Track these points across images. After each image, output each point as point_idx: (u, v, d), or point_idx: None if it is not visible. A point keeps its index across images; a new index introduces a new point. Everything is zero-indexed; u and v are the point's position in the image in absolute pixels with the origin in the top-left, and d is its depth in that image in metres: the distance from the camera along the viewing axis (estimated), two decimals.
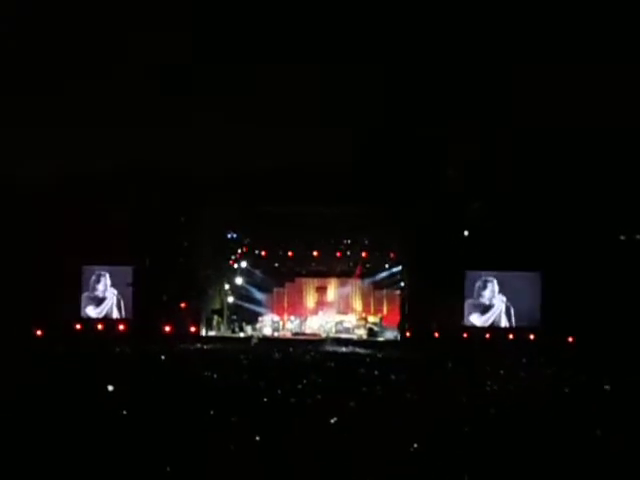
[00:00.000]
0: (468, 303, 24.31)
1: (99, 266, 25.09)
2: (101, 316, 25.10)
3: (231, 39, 19.28)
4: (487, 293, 24.30)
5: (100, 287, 25.22)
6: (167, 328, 24.27)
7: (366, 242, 27.36)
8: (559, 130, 21.12)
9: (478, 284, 24.31)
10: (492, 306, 24.34)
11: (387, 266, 28.17)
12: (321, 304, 28.87)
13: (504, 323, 24.22)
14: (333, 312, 28.22)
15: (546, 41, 19.17)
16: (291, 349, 20.32)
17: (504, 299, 24.24)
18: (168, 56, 19.41)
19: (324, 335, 26.05)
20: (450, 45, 19.15)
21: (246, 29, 19.35)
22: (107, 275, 25.19)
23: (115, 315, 25.11)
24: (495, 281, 24.27)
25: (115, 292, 25.11)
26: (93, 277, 25.20)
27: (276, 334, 26.39)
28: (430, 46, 19.08)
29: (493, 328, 24.12)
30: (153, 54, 19.22)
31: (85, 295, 25.19)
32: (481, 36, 18.79)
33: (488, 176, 22.65)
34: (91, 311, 25.17)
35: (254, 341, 24.02)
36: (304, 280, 29.38)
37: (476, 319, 24.30)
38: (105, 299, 25.20)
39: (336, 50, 19.41)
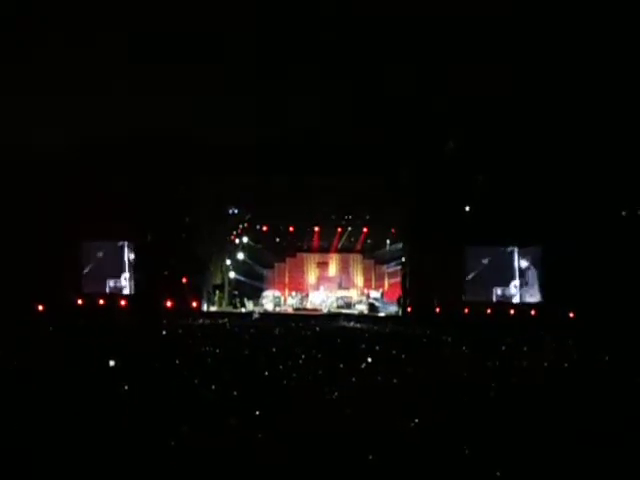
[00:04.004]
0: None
1: (99, 242, 25.06)
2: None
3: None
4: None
5: None
6: (168, 303, 24.33)
7: (367, 217, 27.29)
8: (561, 104, 20.93)
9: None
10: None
11: (388, 242, 28.19)
12: (322, 279, 28.91)
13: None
14: (334, 287, 28.26)
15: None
16: (292, 324, 20.35)
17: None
18: (162, 21, 18.97)
19: (325, 310, 26.11)
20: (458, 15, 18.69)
21: None
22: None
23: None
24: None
25: None
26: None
27: (277, 309, 26.45)
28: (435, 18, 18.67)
29: (494, 303, 24.18)
30: (147, 18, 18.79)
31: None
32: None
33: (489, 151, 22.53)
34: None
35: (255, 316, 24.08)
36: (305, 255, 29.41)
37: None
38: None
39: (333, 16, 18.97)
